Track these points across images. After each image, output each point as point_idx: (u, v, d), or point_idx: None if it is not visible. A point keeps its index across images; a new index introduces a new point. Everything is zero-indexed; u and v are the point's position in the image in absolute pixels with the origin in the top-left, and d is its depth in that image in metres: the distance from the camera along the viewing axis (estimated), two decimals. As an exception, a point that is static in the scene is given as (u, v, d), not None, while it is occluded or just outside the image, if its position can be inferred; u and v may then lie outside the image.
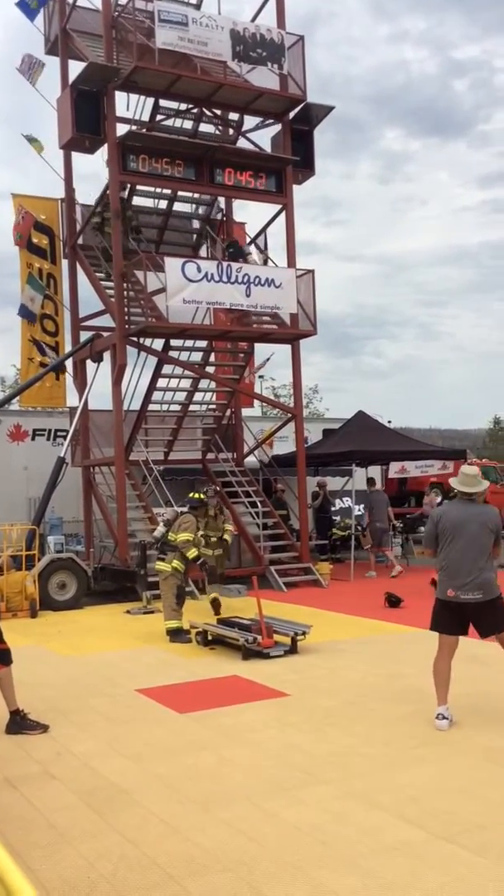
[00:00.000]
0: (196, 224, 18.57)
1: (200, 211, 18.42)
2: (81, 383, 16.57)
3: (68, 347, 17.15)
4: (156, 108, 16.15)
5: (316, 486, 19.43)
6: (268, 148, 16.63)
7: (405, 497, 24.39)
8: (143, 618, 12.42)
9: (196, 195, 17.60)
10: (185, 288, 14.36)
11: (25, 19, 17.31)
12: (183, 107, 16.28)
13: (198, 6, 16.98)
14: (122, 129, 14.92)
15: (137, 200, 16.96)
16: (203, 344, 16.77)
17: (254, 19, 16.56)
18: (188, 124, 16.79)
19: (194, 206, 18.44)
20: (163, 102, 16.08)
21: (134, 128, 15.30)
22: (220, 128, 17.24)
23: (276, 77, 15.68)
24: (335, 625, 11.15)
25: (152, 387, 16.28)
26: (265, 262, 17.01)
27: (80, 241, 16.72)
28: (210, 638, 9.82)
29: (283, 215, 16.48)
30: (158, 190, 17.05)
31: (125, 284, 15.13)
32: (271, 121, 16.53)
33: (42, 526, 14.43)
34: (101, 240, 15.77)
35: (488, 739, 6.01)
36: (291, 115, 16.26)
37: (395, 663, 8.65)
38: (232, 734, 6.33)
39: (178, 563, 10.53)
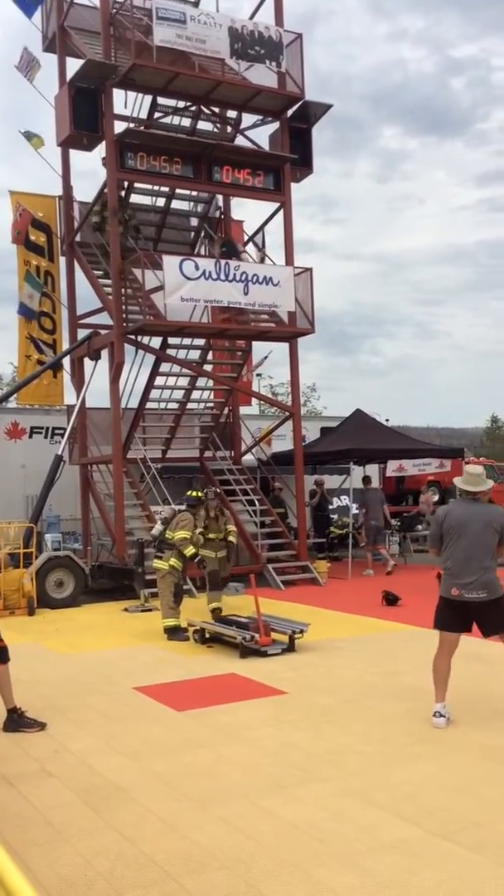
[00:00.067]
0: (194, 222, 18.55)
1: (198, 209, 18.39)
2: (79, 381, 16.56)
3: (66, 345, 17.13)
4: (154, 106, 16.12)
5: (314, 484, 19.44)
6: (266, 146, 16.61)
7: (403, 495, 24.40)
8: (140, 616, 12.43)
9: (194, 193, 17.58)
10: (183, 286, 14.36)
11: (23, 16, 17.29)
12: (181, 104, 16.26)
13: (196, 3, 16.96)
14: (119, 127, 14.90)
15: (135, 198, 16.94)
16: (201, 342, 16.76)
17: (252, 17, 16.55)
18: (186, 122, 16.76)
19: (192, 203, 18.42)
20: (161, 100, 16.05)
21: (132, 125, 15.28)
22: (218, 125, 17.22)
23: (274, 75, 15.67)
24: (333, 623, 11.16)
25: (150, 385, 16.27)
26: (262, 260, 17.01)
27: (77, 238, 16.70)
28: (208, 636, 9.83)
29: (281, 213, 16.47)
30: (156, 188, 17.04)
31: (123, 282, 15.11)
32: (269, 119, 16.51)
33: (39, 524, 14.43)
34: (100, 238, 15.75)
35: (485, 737, 6.02)
36: (289, 113, 16.25)
37: (392, 661, 8.65)
38: (229, 732, 6.34)
39: (175, 562, 10.54)
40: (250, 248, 17.71)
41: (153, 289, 14.78)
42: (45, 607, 13.20)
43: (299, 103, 16.12)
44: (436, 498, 24.99)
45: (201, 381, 17.33)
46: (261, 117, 16.65)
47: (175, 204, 17.87)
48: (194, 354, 17.00)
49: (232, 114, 16.93)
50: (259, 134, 16.91)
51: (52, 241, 17.33)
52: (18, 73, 17.09)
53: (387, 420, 22.15)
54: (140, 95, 15.76)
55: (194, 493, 11.41)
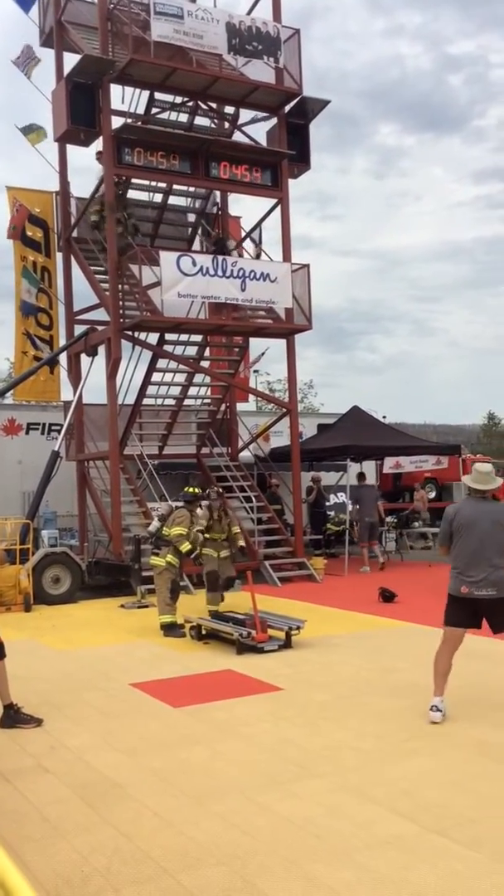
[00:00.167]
0: (191, 218, 18.53)
1: (196, 205, 18.37)
2: (76, 377, 16.53)
3: (62, 341, 17.11)
4: (151, 101, 16.10)
5: (310, 481, 19.44)
6: (263, 142, 16.59)
7: (399, 492, 24.44)
8: (137, 612, 12.43)
9: (191, 189, 17.55)
10: (181, 282, 14.34)
11: (20, 11, 17.24)
12: (178, 100, 16.23)
13: (193, -1, 16.92)
14: (117, 122, 14.88)
15: (132, 193, 16.92)
16: (198, 338, 16.74)
17: (250, 12, 16.52)
18: (184, 117, 16.73)
19: (190, 199, 18.39)
20: (158, 95, 16.03)
21: (129, 121, 15.26)
22: (215, 121, 17.20)
23: (271, 70, 15.65)
24: (329, 619, 11.17)
25: (147, 381, 16.25)
26: (258, 256, 16.99)
27: (74, 234, 16.67)
28: (204, 632, 9.84)
29: (278, 209, 16.45)
30: (153, 183, 17.01)
31: (120, 278, 15.09)
32: (267, 114, 16.50)
33: (36, 520, 14.43)
34: (98, 235, 15.70)
35: (482, 733, 6.03)
36: (287, 108, 16.23)
37: (388, 658, 8.66)
38: (226, 728, 6.34)
39: (172, 558, 10.53)
40: (248, 244, 17.69)
41: (150, 285, 14.76)
42: (42, 604, 13.20)
43: (297, 99, 16.10)
44: (432, 495, 25.09)
45: (198, 378, 17.32)
46: (258, 113, 16.63)
47: (172, 200, 17.86)
48: (191, 351, 17.00)
49: (229, 109, 16.92)
50: (257, 130, 16.93)
51: (49, 237, 17.30)
52: (14, 68, 17.06)
53: (384, 417, 22.19)
54: (137, 91, 15.74)
55: (191, 490, 11.38)
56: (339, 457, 17.93)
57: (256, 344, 19.55)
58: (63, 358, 16.95)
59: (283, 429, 17.82)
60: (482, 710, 6.61)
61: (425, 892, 3.75)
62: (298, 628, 9.33)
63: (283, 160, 16.12)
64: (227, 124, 17.07)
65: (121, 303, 15.07)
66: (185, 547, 10.49)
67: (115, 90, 15.06)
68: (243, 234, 18.11)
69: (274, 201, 16.48)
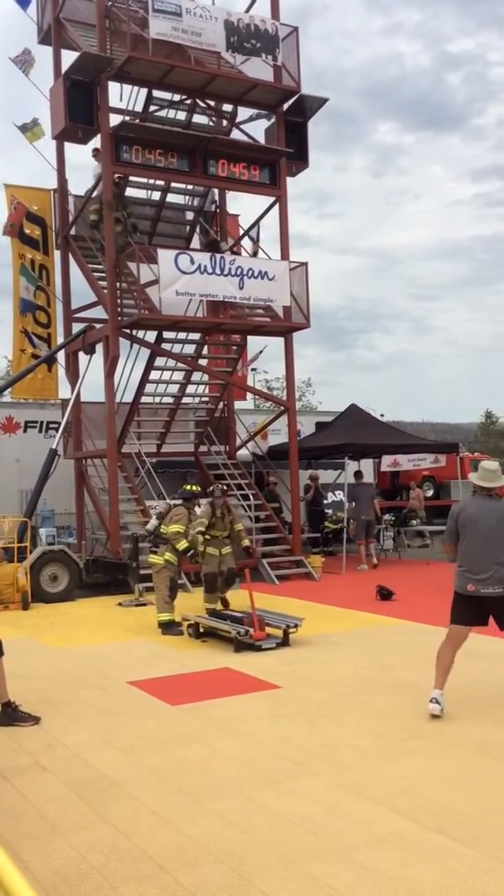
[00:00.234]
0: (189, 216, 18.51)
1: (194, 203, 18.35)
2: (74, 375, 16.52)
3: (60, 339, 17.10)
4: (149, 99, 16.08)
5: (308, 479, 19.45)
6: (262, 140, 16.58)
7: (397, 491, 24.45)
8: (134, 610, 12.42)
9: (189, 186, 17.54)
10: (178, 280, 14.33)
11: (18, 8, 17.21)
12: (176, 97, 16.21)
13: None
14: (115, 120, 14.86)
15: (130, 191, 16.89)
16: (196, 336, 16.73)
17: (248, 10, 16.51)
18: (182, 115, 16.71)
19: (188, 197, 18.37)
20: (156, 93, 16.01)
21: (127, 118, 15.24)
22: (213, 119, 17.18)
23: (270, 68, 15.63)
24: (327, 617, 11.17)
25: (145, 379, 16.24)
26: (255, 254, 16.99)
27: (72, 232, 16.65)
28: (202, 630, 9.83)
29: (276, 207, 16.44)
30: (152, 181, 16.99)
31: (118, 276, 15.07)
32: (265, 112, 16.48)
33: (34, 518, 14.41)
34: (97, 234, 15.68)
35: (481, 731, 6.03)
36: (285, 106, 16.21)
37: (386, 656, 8.67)
38: (223, 726, 6.34)
39: (170, 556, 10.52)
40: (246, 242, 17.68)
41: (148, 283, 14.75)
42: (40, 601, 13.19)
43: (295, 97, 16.08)
44: (430, 493, 25.11)
45: (196, 376, 17.31)
46: (256, 111, 16.61)
47: (170, 197, 17.84)
48: (189, 349, 16.98)
49: (228, 107, 16.90)
50: (255, 128, 16.90)
51: (47, 235, 17.27)
52: (11, 67, 17.02)
53: (382, 415, 22.19)
54: (135, 88, 15.73)
55: (189, 488, 11.36)
56: (336, 455, 17.93)
57: (254, 342, 19.57)
58: (61, 356, 16.94)
59: (281, 427, 17.82)
60: (481, 708, 6.61)
61: (423, 890, 3.75)
62: (296, 626, 9.32)
63: (282, 158, 16.11)
64: (225, 122, 17.05)
65: (119, 301, 15.05)
66: (182, 544, 10.49)
67: (114, 88, 15.06)
68: (241, 232, 18.10)
69: (272, 199, 16.47)
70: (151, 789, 5.07)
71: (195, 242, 18.11)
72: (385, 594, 12.46)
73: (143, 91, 15.88)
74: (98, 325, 15.96)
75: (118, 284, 15.05)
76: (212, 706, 6.90)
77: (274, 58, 15.55)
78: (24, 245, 17.13)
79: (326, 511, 19.83)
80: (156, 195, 17.65)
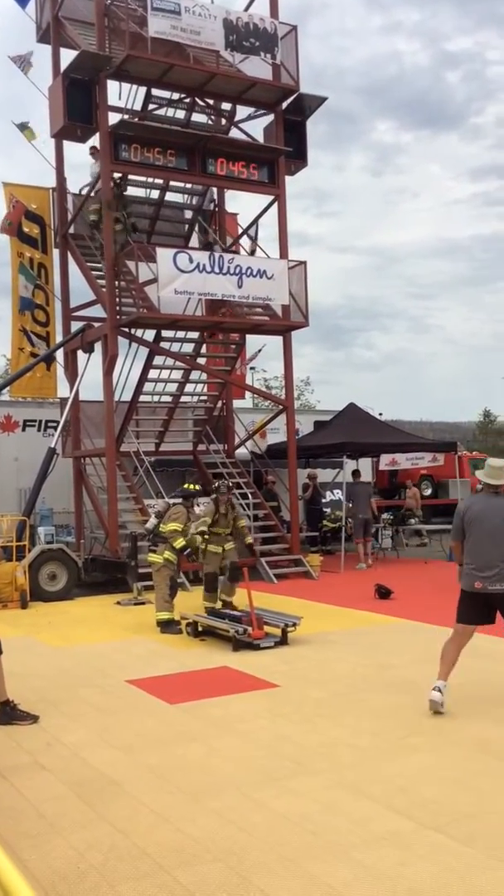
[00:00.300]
0: (188, 214, 18.50)
1: (193, 201, 18.34)
2: (72, 374, 16.52)
3: (59, 337, 17.08)
4: (148, 98, 16.07)
5: (306, 478, 19.46)
6: (260, 138, 16.57)
7: (396, 489, 24.46)
8: (133, 609, 12.42)
9: (188, 185, 17.53)
10: (177, 278, 14.32)
11: (17, 6, 17.19)
12: (175, 96, 16.19)
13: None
14: (114, 118, 14.84)
15: (129, 190, 16.87)
16: (195, 335, 16.73)
17: (247, 8, 16.50)
18: (180, 114, 16.70)
19: (187, 196, 18.36)
20: (155, 92, 15.99)
21: (126, 117, 15.22)
22: (212, 118, 17.16)
23: (268, 67, 15.61)
24: (325, 616, 11.18)
25: (143, 378, 16.24)
26: (253, 252, 16.99)
27: (71, 230, 16.64)
28: (200, 629, 9.84)
29: (275, 206, 16.43)
30: (150, 180, 16.97)
31: (117, 275, 15.06)
32: (264, 111, 16.47)
33: (32, 517, 14.40)
34: (97, 235, 15.66)
35: (479, 730, 6.04)
36: (284, 105, 16.20)
37: (384, 654, 8.67)
38: (222, 725, 6.35)
39: (169, 555, 10.50)
40: (245, 241, 17.68)
41: (147, 281, 14.74)
42: (38, 600, 13.19)
43: (294, 96, 16.07)
44: (428, 492, 25.13)
45: (195, 375, 17.30)
46: (255, 110, 16.60)
47: (169, 196, 17.83)
48: (188, 347, 16.98)
49: (226, 106, 16.88)
50: (254, 126, 16.89)
51: (46, 233, 17.26)
52: (10, 65, 17.01)
53: (380, 414, 22.19)
54: (134, 87, 15.71)
55: (189, 486, 11.35)
56: (335, 454, 17.94)
57: (253, 341, 19.55)
58: (60, 354, 16.93)
59: (280, 426, 17.82)
60: (480, 706, 6.62)
61: (421, 889, 3.76)
62: (294, 625, 9.33)
63: (280, 157, 16.10)
64: (224, 121, 17.04)
65: (117, 299, 15.05)
66: (179, 542, 10.46)
67: (112, 86, 15.05)
68: (240, 230, 18.09)
69: (271, 198, 16.46)
70: (150, 788, 5.08)
71: (194, 241, 18.10)
72: (383, 593, 12.47)
73: (142, 89, 15.87)
74: (97, 324, 15.96)
75: (117, 283, 15.04)
76: (210, 705, 6.91)
77: (273, 56, 15.53)
78: (22, 243, 17.12)
79: (325, 510, 19.84)
80: (154, 194, 17.63)
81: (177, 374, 17.15)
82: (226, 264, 14.87)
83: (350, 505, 17.22)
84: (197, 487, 11.52)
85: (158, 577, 10.58)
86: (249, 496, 16.56)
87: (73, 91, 14.46)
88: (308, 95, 16.20)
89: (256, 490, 17.04)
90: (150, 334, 15.80)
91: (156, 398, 17.53)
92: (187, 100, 16.32)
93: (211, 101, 16.64)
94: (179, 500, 11.06)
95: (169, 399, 17.37)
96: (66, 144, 16.60)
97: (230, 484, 12.24)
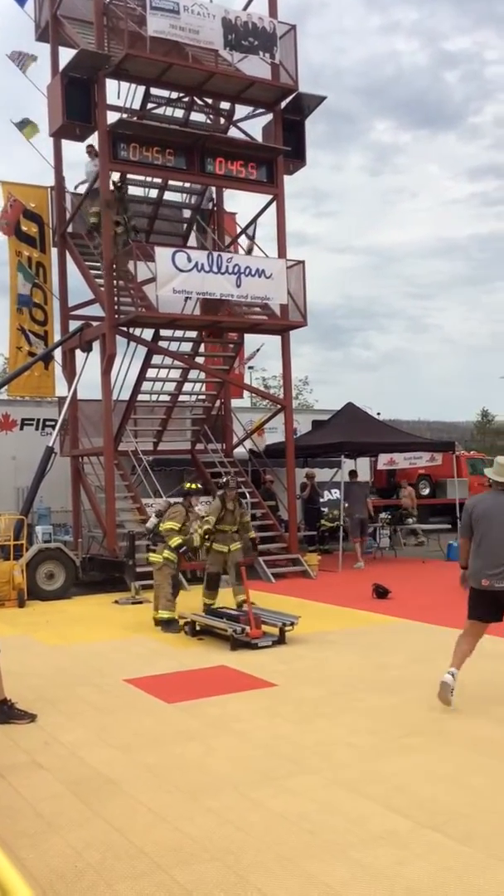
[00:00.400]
0: (187, 214, 18.49)
1: (191, 200, 18.34)
2: (70, 373, 16.52)
3: (57, 336, 17.08)
4: (147, 97, 16.07)
5: (304, 477, 19.46)
6: (259, 138, 16.57)
7: (394, 489, 24.46)
8: (131, 608, 12.42)
9: (187, 184, 17.52)
10: (175, 277, 14.32)
11: (15, 4, 17.17)
12: (174, 95, 16.19)
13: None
14: (112, 117, 14.83)
15: (127, 189, 16.86)
16: (193, 334, 16.73)
17: (246, 8, 16.51)
18: (179, 113, 16.70)
19: (185, 195, 18.36)
20: (154, 90, 15.99)
21: (125, 116, 15.21)
22: (211, 117, 17.16)
23: (267, 66, 15.61)
24: (323, 615, 11.18)
25: (142, 377, 16.24)
26: (251, 250, 16.99)
27: (69, 229, 16.63)
28: (198, 628, 9.84)
29: (273, 206, 16.43)
30: (149, 179, 16.96)
31: (115, 274, 15.06)
32: (263, 110, 16.47)
33: (30, 516, 14.39)
34: (97, 236, 15.64)
35: (476, 729, 6.05)
36: (283, 104, 16.21)
37: (382, 654, 8.68)
38: (220, 724, 6.35)
39: (168, 554, 10.48)
40: (244, 241, 17.68)
41: (145, 280, 14.73)
42: (36, 599, 13.19)
43: (293, 95, 16.08)
44: (426, 491, 25.13)
45: (193, 374, 17.30)
46: (254, 109, 16.60)
47: (168, 195, 17.82)
48: (186, 347, 16.98)
49: (225, 105, 16.88)
50: (252, 126, 16.90)
51: (44, 232, 17.25)
52: (8, 63, 17.00)
53: (378, 413, 22.19)
54: (133, 86, 15.71)
55: (189, 485, 11.32)
56: (333, 453, 17.94)
57: (251, 340, 19.55)
58: (58, 353, 16.93)
59: (278, 425, 17.82)
60: (479, 706, 6.62)
61: (419, 888, 3.76)
62: (292, 624, 9.33)
63: (279, 156, 16.10)
64: (222, 120, 17.04)
65: (116, 298, 15.04)
66: (175, 541, 10.43)
67: (111, 85, 15.06)
68: (238, 230, 18.09)
69: (269, 197, 16.46)
70: (147, 787, 5.08)
71: (192, 240, 18.09)
72: (381, 592, 12.47)
73: (141, 88, 15.87)
74: (95, 323, 15.96)
75: (115, 282, 15.03)
76: (208, 704, 6.91)
77: (271, 56, 15.53)
78: (20, 242, 17.12)
79: (323, 509, 19.84)
80: (153, 193, 17.63)
81: (175, 374, 17.15)
82: (224, 263, 14.87)
83: (346, 505, 17.24)
84: (197, 486, 11.48)
85: (160, 575, 10.55)
86: (248, 495, 16.56)
87: (72, 90, 14.47)
88: (307, 95, 16.20)
89: (255, 489, 17.04)
90: (148, 333, 15.80)
91: (154, 397, 17.52)
92: (186, 99, 16.32)
93: (210, 101, 16.65)
94: (179, 500, 11.03)
95: (167, 398, 17.37)
96: (65, 143, 16.59)
97: (238, 480, 11.97)
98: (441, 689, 6.42)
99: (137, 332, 15.68)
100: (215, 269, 14.71)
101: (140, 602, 12.57)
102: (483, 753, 5.57)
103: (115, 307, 14.96)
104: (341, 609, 11.82)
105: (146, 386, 16.65)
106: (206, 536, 10.84)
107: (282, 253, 16.30)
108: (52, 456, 14.92)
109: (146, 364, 16.17)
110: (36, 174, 41.65)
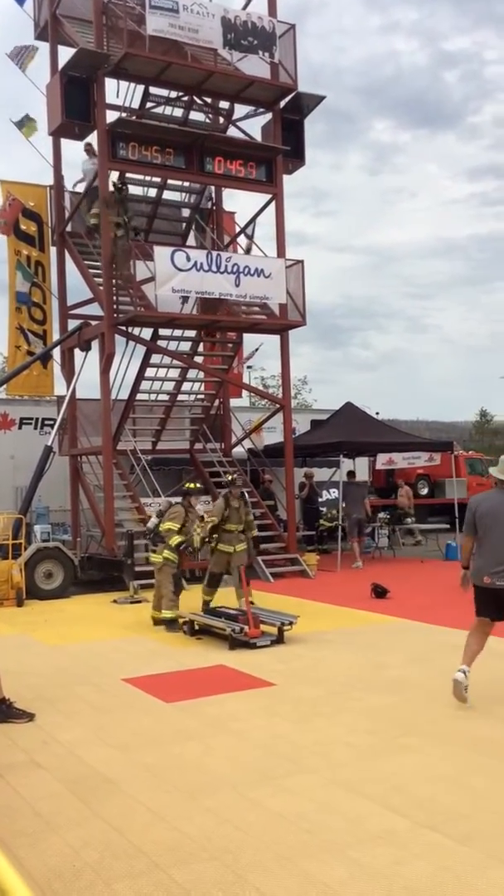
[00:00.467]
0: (186, 213, 18.49)
1: (190, 200, 18.33)
2: (69, 372, 16.51)
3: (56, 335, 17.07)
4: (146, 96, 16.05)
5: (303, 477, 19.47)
6: (258, 137, 16.56)
7: (393, 489, 24.46)
8: (129, 607, 12.42)
9: (186, 184, 17.51)
10: (175, 277, 14.32)
11: (14, 3, 17.16)
12: (173, 94, 16.18)
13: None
14: (111, 117, 14.83)
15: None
16: (192, 334, 16.73)
17: (245, 7, 16.50)
18: (178, 112, 16.69)
19: (184, 194, 18.35)
20: (153, 90, 15.97)
21: (124, 115, 15.20)
22: (210, 116, 17.15)
23: (266, 65, 15.61)
24: (321, 615, 11.18)
25: (140, 376, 16.24)
26: (249, 249, 16.99)
27: (68, 228, 16.62)
28: (197, 627, 9.84)
29: (272, 205, 16.43)
30: (148, 178, 16.95)
31: (114, 273, 15.05)
32: (262, 110, 16.46)
33: (29, 515, 14.39)
34: (97, 237, 15.63)
35: (474, 728, 6.05)
36: (282, 104, 16.20)
37: (380, 653, 8.68)
38: (218, 724, 6.35)
39: (168, 554, 10.46)
40: (242, 241, 17.67)
41: (144, 279, 14.73)
42: (34, 598, 13.18)
43: (292, 94, 16.07)
44: (424, 491, 25.13)
45: (192, 373, 17.30)
46: (253, 108, 16.59)
47: (167, 194, 17.81)
48: (185, 346, 16.97)
49: (224, 104, 16.87)
50: (251, 125, 16.89)
51: (43, 231, 17.24)
52: (7, 62, 17.00)
53: (377, 413, 22.20)
54: (132, 85, 15.69)
55: (189, 485, 11.30)
56: (332, 453, 17.95)
57: (250, 339, 19.55)
58: (56, 353, 16.92)
59: (277, 425, 17.82)
60: (478, 706, 6.61)
61: (417, 887, 3.76)
62: (291, 624, 9.33)
63: (278, 156, 16.10)
64: (221, 119, 17.03)
65: (115, 297, 15.04)
66: (175, 540, 10.41)
67: (110, 84, 15.04)
68: (237, 229, 18.08)
69: (268, 197, 16.46)
70: (146, 786, 5.08)
71: (191, 239, 18.08)
72: (380, 592, 12.48)
73: (140, 88, 15.85)
74: (94, 322, 15.95)
75: (114, 281, 15.03)
76: (206, 703, 6.91)
77: (271, 55, 15.52)
78: (19, 241, 17.11)
79: (321, 509, 19.85)
80: (152, 192, 17.62)
81: (174, 373, 17.15)
82: (223, 263, 14.87)
83: (344, 505, 17.26)
84: (197, 486, 11.46)
85: (161, 575, 10.52)
86: (246, 495, 16.53)
87: (71, 89, 14.46)
88: (306, 94, 16.20)
89: (253, 489, 17.04)
90: (147, 333, 15.79)
91: (153, 396, 17.52)
92: (185, 98, 16.30)
93: (209, 100, 16.64)
94: (178, 500, 11.00)
95: (166, 397, 17.37)
96: (64, 142, 16.58)
97: (242, 481, 11.78)
98: (454, 686, 6.47)
99: (136, 331, 15.68)
100: (214, 268, 14.70)
101: (139, 601, 12.56)
102: (482, 753, 5.57)
103: (114, 306, 14.95)
104: (340, 609, 11.82)
105: (145, 385, 16.65)
106: (206, 539, 10.74)
107: (281, 252, 16.30)
108: (51, 455, 14.91)
109: (145, 363, 16.16)
110: (35, 173, 41.56)
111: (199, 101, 16.52)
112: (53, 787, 5.10)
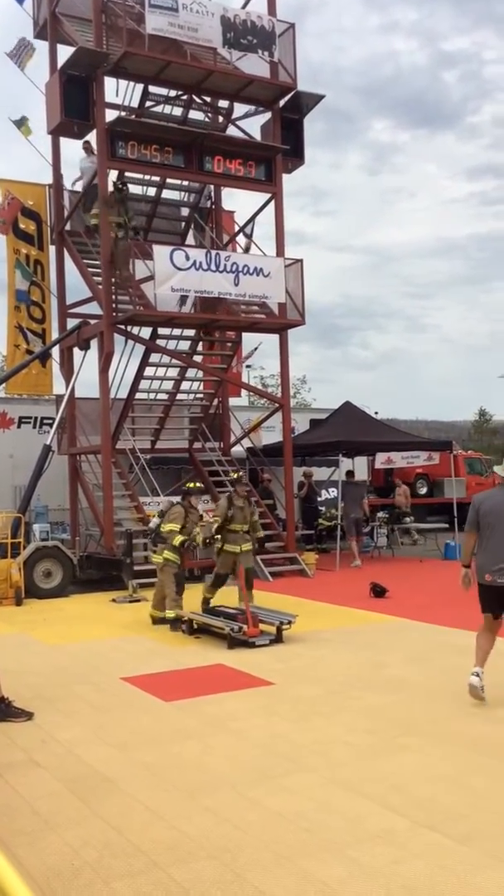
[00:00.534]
0: (185, 212, 18.48)
1: (190, 199, 18.32)
2: (68, 371, 16.51)
3: (55, 335, 17.06)
4: (145, 95, 16.03)
5: (302, 476, 19.47)
6: (257, 136, 16.56)
7: (392, 488, 24.46)
8: (128, 606, 12.42)
9: (185, 183, 17.51)
10: (174, 276, 14.31)
11: (14, 2, 17.14)
12: (172, 93, 16.17)
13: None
14: (111, 115, 14.82)
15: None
16: (191, 333, 16.72)
17: (244, 6, 16.48)
18: (178, 111, 16.68)
19: (183, 193, 18.34)
20: (152, 89, 15.96)
21: (123, 114, 15.19)
22: (209, 115, 17.14)
23: (266, 65, 15.61)
24: (320, 614, 11.18)
25: (139, 375, 16.23)
26: (248, 248, 16.98)
27: (67, 227, 16.61)
28: (195, 627, 9.84)
29: (272, 204, 16.42)
30: (147, 177, 16.95)
31: (113, 272, 15.04)
32: (261, 109, 16.45)
33: (28, 514, 14.39)
34: (96, 237, 15.62)
35: (473, 728, 6.05)
36: (281, 103, 16.20)
37: (379, 653, 8.68)
38: (217, 723, 6.35)
39: (169, 554, 10.44)
40: (240, 238, 17.67)
41: (143, 278, 14.72)
42: (33, 597, 13.18)
43: (291, 94, 16.07)
44: (423, 491, 25.13)
45: (191, 372, 17.30)
46: (253, 107, 16.59)
47: (166, 193, 17.80)
48: (184, 345, 16.97)
49: (224, 103, 16.85)
50: (251, 124, 16.88)
51: (42, 230, 17.24)
52: (7, 61, 16.97)
53: (376, 412, 22.20)
54: (131, 84, 15.68)
55: (190, 485, 11.28)
56: (331, 452, 17.95)
57: (249, 339, 19.54)
58: (55, 351, 16.91)
59: (276, 424, 17.82)
60: (478, 705, 6.62)
61: (416, 886, 3.76)
62: (290, 623, 9.34)
63: (277, 155, 16.09)
64: (221, 118, 17.02)
65: (114, 296, 15.03)
66: (177, 539, 10.40)
67: (109, 83, 15.03)
68: (236, 228, 18.07)
69: (268, 196, 16.45)
70: (145, 785, 5.08)
71: (190, 239, 18.08)
72: (378, 591, 12.48)
73: (139, 86, 15.83)
74: (93, 321, 15.94)
75: (113, 280, 15.02)
76: (205, 703, 6.91)
77: (270, 54, 15.52)
78: (18, 240, 17.11)
79: (320, 508, 19.85)
80: (151, 191, 17.60)
81: (173, 372, 17.15)
82: (222, 262, 14.86)
83: (343, 504, 17.27)
84: (197, 485, 11.44)
85: (164, 575, 10.50)
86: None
87: (70, 88, 14.45)
88: (305, 93, 16.20)
89: (253, 488, 17.01)
90: (146, 332, 15.78)
91: (152, 396, 17.52)
92: (184, 97, 16.29)
93: (208, 99, 16.63)
94: (178, 499, 10.99)
95: (165, 396, 17.37)
96: (64, 141, 16.57)
97: (246, 481, 11.66)
98: (470, 689, 6.50)
99: (135, 330, 15.67)
100: (213, 267, 14.70)
101: (137, 600, 12.56)
102: (481, 753, 5.57)
103: (113, 305, 14.94)
104: (338, 608, 11.82)
105: (144, 384, 16.65)
106: (209, 539, 10.69)
107: (280, 251, 16.29)
108: (50, 454, 14.90)
109: (144, 362, 16.16)
110: (34, 172, 41.64)
111: (198, 100, 16.52)
112: (52, 786, 5.10)
